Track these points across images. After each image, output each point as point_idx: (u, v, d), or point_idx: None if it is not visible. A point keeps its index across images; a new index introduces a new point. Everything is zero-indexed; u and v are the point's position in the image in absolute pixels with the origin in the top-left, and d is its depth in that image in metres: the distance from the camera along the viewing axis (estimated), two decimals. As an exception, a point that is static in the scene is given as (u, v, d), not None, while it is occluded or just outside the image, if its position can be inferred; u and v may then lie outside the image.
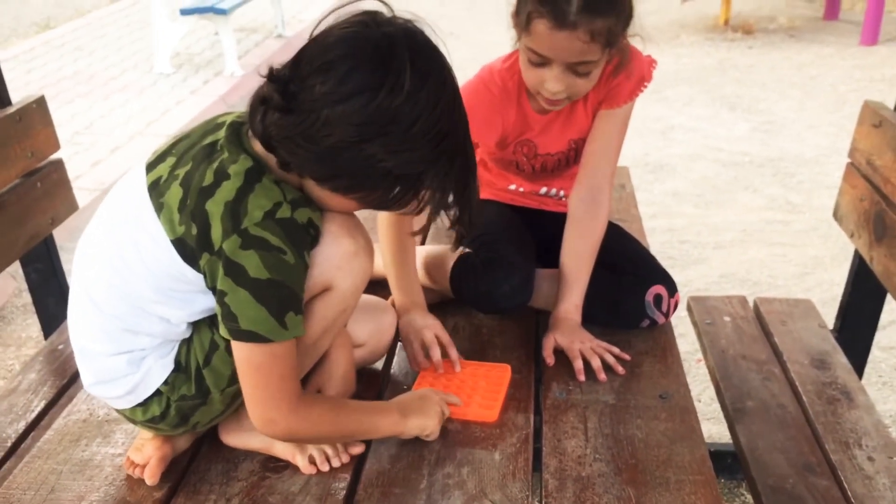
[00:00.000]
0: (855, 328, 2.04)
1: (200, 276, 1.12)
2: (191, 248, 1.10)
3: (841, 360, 1.82)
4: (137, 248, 1.14)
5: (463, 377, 1.43)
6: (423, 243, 1.90)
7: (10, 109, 1.90)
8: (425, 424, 1.26)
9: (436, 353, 1.45)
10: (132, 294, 1.15)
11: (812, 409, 1.64)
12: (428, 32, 1.12)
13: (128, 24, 7.61)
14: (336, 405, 1.26)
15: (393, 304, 1.55)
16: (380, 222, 1.55)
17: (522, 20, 1.44)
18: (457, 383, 1.42)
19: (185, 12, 5.89)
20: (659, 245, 3.41)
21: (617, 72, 1.56)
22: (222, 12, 5.77)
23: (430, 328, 1.48)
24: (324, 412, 1.21)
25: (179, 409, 1.21)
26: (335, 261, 1.17)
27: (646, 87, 1.61)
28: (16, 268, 2.52)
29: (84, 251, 1.21)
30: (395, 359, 1.52)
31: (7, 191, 1.84)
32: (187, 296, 1.15)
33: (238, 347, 1.12)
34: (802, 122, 4.96)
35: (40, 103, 1.99)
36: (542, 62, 1.46)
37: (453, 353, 1.46)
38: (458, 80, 1.16)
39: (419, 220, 1.42)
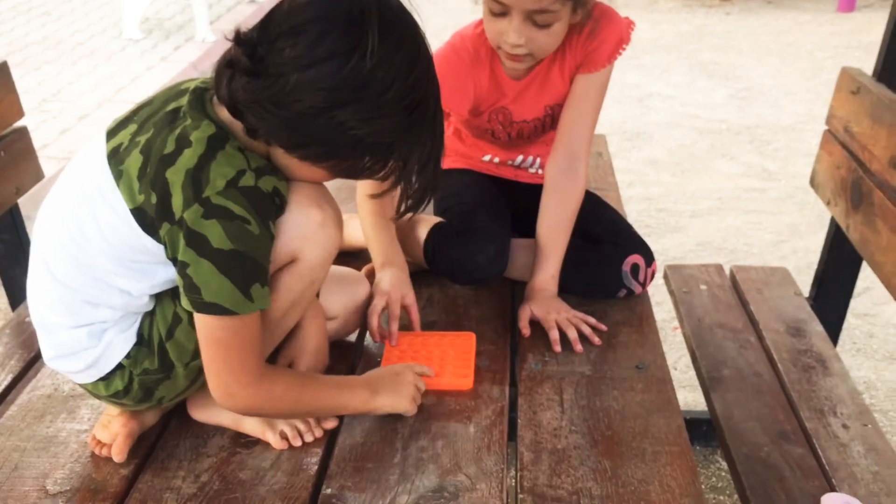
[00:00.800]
0: (830, 296, 2.05)
1: (161, 247, 1.09)
2: (150, 218, 1.07)
3: (816, 327, 1.83)
4: (96, 218, 1.10)
5: (430, 348, 1.41)
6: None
7: (-30, 76, 1.85)
8: (396, 403, 1.24)
9: (393, 326, 1.41)
10: (91, 265, 1.12)
11: (787, 377, 1.64)
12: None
13: (96, -11, 7.45)
14: (302, 381, 1.23)
15: (367, 276, 1.52)
16: (358, 193, 1.52)
17: None
18: (425, 354, 1.39)
19: (154, -24, 5.77)
20: (636, 213, 3.40)
21: (593, 34, 1.53)
22: (193, -24, 5.66)
23: (395, 292, 1.44)
24: (288, 388, 1.18)
25: (143, 384, 1.18)
26: (302, 231, 1.14)
27: (624, 49, 1.57)
28: (-19, 239, 2.47)
29: (43, 220, 1.18)
30: (368, 332, 1.49)
31: (-32, 160, 1.79)
32: (147, 267, 1.12)
33: (200, 319, 1.09)
34: (780, 88, 4.96)
35: (3, 69, 1.93)
36: (501, 11, 1.44)
37: (394, 326, 1.42)
38: (433, 47, 1.13)
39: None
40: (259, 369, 1.13)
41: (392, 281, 1.46)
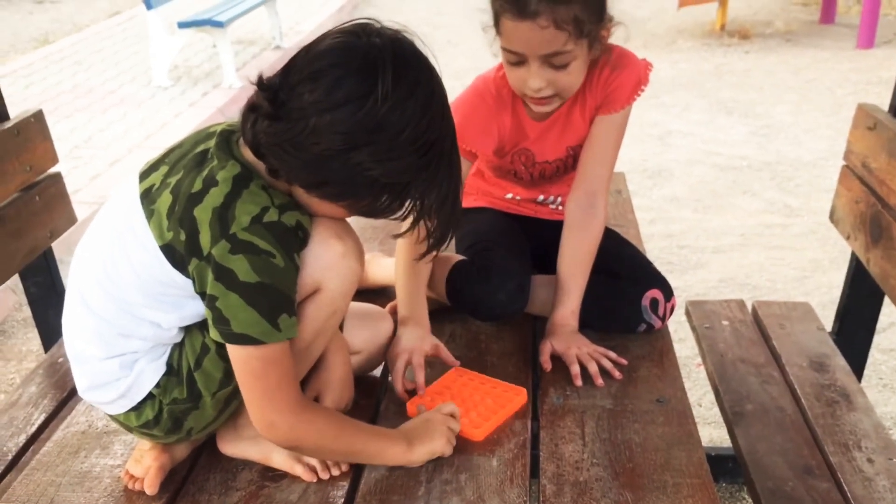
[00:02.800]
0: (853, 330, 2.04)
1: (189, 282, 1.13)
2: (179, 254, 1.12)
3: (840, 362, 1.82)
4: (127, 254, 1.15)
5: (472, 390, 1.41)
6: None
7: (9, 124, 1.91)
8: (433, 448, 1.25)
9: (419, 377, 1.41)
10: (122, 298, 1.17)
11: (811, 412, 1.64)
12: (417, 43, 1.13)
13: (125, 38, 7.64)
14: (343, 420, 1.25)
15: (390, 313, 1.55)
16: (399, 241, 1.55)
17: (494, 21, 1.47)
18: (463, 394, 1.40)
19: (182, 25, 5.91)
20: (658, 250, 3.41)
21: (612, 76, 1.57)
22: (219, 25, 5.79)
23: (418, 350, 1.44)
24: (328, 423, 1.21)
25: (172, 413, 1.22)
26: (324, 262, 1.17)
27: (643, 90, 1.61)
28: (15, 281, 2.53)
29: (80, 256, 1.23)
30: (394, 367, 1.52)
31: (6, 205, 1.85)
32: (176, 300, 1.16)
33: (233, 352, 1.13)
34: (800, 125, 4.97)
35: (38, 117, 2.00)
36: (518, 60, 1.48)
37: (447, 361, 1.43)
38: (455, 89, 1.16)
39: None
40: (298, 399, 1.17)
41: (410, 338, 1.47)
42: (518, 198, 1.83)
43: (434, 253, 1.23)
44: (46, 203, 1.99)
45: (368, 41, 1.09)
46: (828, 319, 2.08)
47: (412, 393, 1.42)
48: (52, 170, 2.04)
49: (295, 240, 1.13)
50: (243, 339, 1.10)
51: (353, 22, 1.12)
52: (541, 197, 1.82)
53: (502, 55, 1.51)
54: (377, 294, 1.71)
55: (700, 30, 7.33)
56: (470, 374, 1.46)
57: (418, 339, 1.47)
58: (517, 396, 1.39)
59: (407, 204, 1.15)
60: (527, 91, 1.51)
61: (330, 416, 1.23)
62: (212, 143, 1.16)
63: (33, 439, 1.58)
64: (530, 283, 1.62)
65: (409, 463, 1.25)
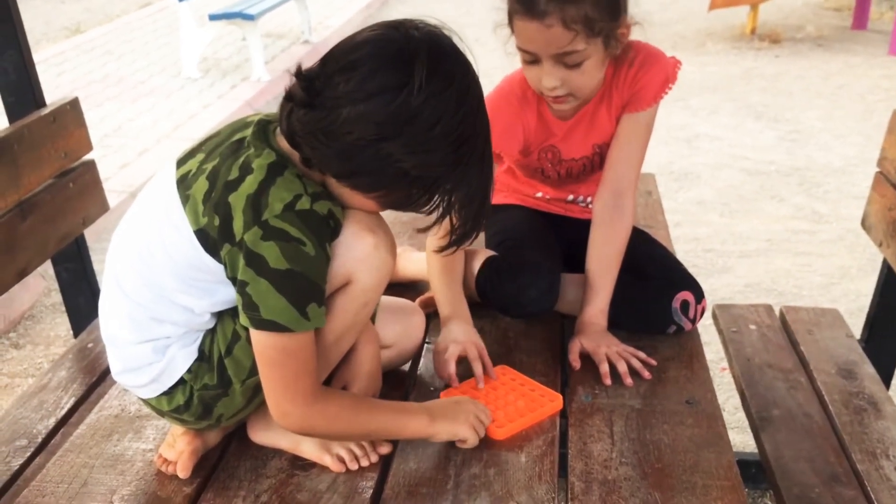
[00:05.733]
0: (883, 338, 2.03)
1: (221, 267, 1.14)
2: (213, 239, 1.13)
3: (868, 370, 1.81)
4: (162, 238, 1.17)
5: (508, 389, 1.41)
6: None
7: (45, 111, 1.94)
8: (455, 430, 1.26)
9: (478, 368, 1.42)
10: (156, 283, 1.18)
11: (839, 419, 1.63)
12: (455, 41, 1.13)
13: (156, 29, 7.70)
14: (357, 402, 1.26)
15: (421, 306, 1.56)
16: (429, 237, 1.55)
17: (508, 21, 1.47)
18: (496, 392, 1.40)
19: (213, 17, 5.96)
20: (683, 253, 3.40)
21: (639, 74, 1.56)
22: (250, 18, 5.83)
23: (460, 343, 1.45)
24: (342, 408, 1.21)
25: (202, 399, 1.23)
26: (356, 253, 1.18)
27: (671, 88, 1.59)
28: (45, 267, 2.56)
29: (116, 242, 1.25)
30: (423, 361, 1.52)
31: (41, 190, 1.87)
32: (209, 286, 1.18)
33: (257, 338, 1.14)
34: (829, 131, 4.93)
35: (74, 105, 2.02)
36: (532, 59, 1.48)
37: (478, 368, 1.42)
38: (483, 87, 1.17)
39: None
40: (313, 390, 1.17)
41: (463, 331, 1.48)
42: (548, 197, 1.83)
43: (454, 249, 1.22)
44: (80, 190, 2.01)
45: (406, 34, 1.09)
46: (856, 327, 2.06)
47: (446, 386, 1.42)
48: (87, 157, 2.06)
49: (326, 229, 1.14)
50: (271, 326, 1.11)
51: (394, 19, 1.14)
52: (570, 197, 1.82)
53: (519, 55, 1.51)
54: (407, 288, 1.72)
55: (730, 33, 7.28)
56: (512, 374, 1.46)
57: (471, 334, 1.48)
58: (551, 402, 1.37)
59: (436, 199, 1.16)
60: (543, 90, 1.51)
61: (343, 403, 1.23)
62: (248, 131, 1.17)
63: (63, 422, 1.60)
64: (560, 281, 1.62)
65: (430, 436, 1.25)
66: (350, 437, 1.25)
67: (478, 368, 1.42)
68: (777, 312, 2.06)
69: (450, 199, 1.15)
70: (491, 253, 1.65)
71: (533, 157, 1.69)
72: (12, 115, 2.00)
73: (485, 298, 1.61)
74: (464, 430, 1.26)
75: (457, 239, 1.21)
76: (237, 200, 1.11)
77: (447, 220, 1.19)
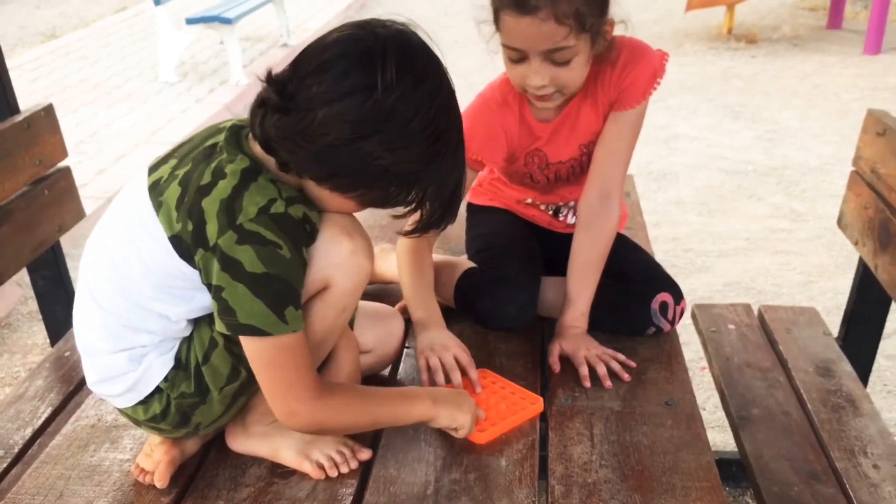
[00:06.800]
0: (860, 336, 2.04)
1: (196, 273, 1.14)
2: (187, 245, 1.12)
3: (846, 368, 1.83)
4: (136, 246, 1.16)
5: (489, 393, 1.41)
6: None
7: (19, 117, 1.92)
8: (456, 416, 1.27)
9: (456, 377, 1.42)
10: (131, 291, 1.17)
11: (817, 417, 1.64)
12: (423, 36, 1.14)
13: (132, 34, 7.65)
14: (361, 391, 1.26)
15: (401, 312, 1.55)
16: (399, 240, 1.56)
17: (494, 17, 1.45)
18: (476, 397, 1.39)
19: (190, 21, 5.92)
20: (663, 253, 3.41)
21: (626, 70, 1.54)
22: (227, 21, 5.80)
23: (450, 349, 1.45)
24: (347, 398, 1.22)
25: (179, 407, 1.22)
26: (333, 258, 1.18)
27: (659, 83, 1.56)
28: (21, 275, 2.53)
29: (89, 250, 1.24)
30: (403, 366, 1.52)
31: (15, 198, 1.85)
32: (185, 292, 1.17)
33: (247, 344, 1.14)
34: (806, 130, 4.97)
35: (48, 111, 2.00)
36: (519, 57, 1.46)
37: (473, 373, 1.43)
38: (462, 88, 1.17)
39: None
40: (317, 383, 1.17)
41: (440, 337, 1.48)
42: (537, 203, 1.81)
43: (419, 234, 1.22)
44: (55, 197, 1.99)
45: (374, 32, 1.10)
46: (833, 325, 2.08)
47: (432, 383, 1.42)
48: (62, 164, 2.04)
49: (302, 233, 1.14)
50: (249, 330, 1.11)
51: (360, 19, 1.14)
52: (560, 203, 1.80)
53: (503, 52, 1.48)
54: (386, 293, 1.72)
55: (707, 33, 7.33)
56: (493, 377, 1.46)
57: (448, 339, 1.48)
58: (532, 405, 1.38)
59: (413, 193, 1.16)
60: (528, 88, 1.49)
61: (349, 394, 1.24)
62: (221, 137, 1.17)
63: (39, 433, 1.58)
64: (539, 292, 1.62)
65: (432, 419, 1.26)
66: (357, 428, 1.25)
67: (455, 377, 1.42)
68: (756, 311, 2.07)
69: (425, 192, 1.16)
70: (470, 264, 1.65)
71: (519, 163, 1.68)
72: (-15, 123, 1.98)
73: (463, 310, 1.61)
74: (464, 417, 1.27)
75: (423, 227, 1.21)
76: (211, 205, 1.10)
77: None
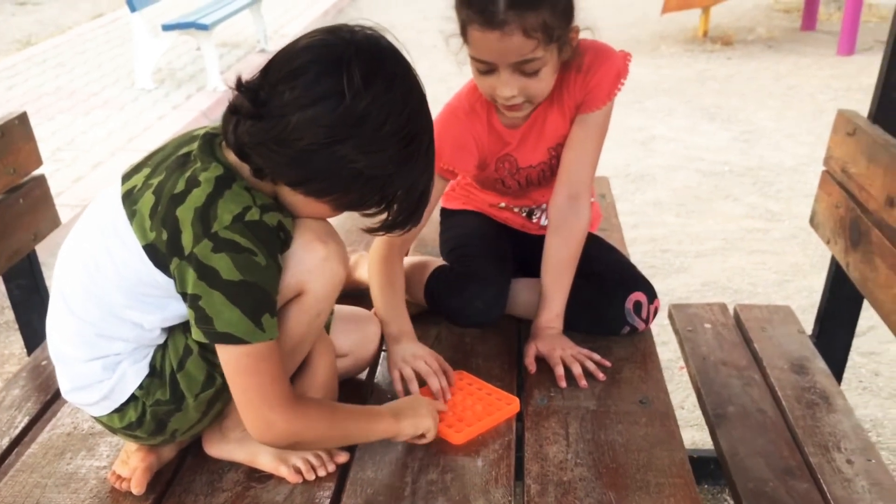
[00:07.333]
0: (833, 333, 2.07)
1: (171, 281, 1.14)
2: (162, 254, 1.12)
3: (820, 365, 1.85)
4: (110, 254, 1.16)
5: (465, 394, 1.42)
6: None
7: (-8, 126, 1.91)
8: (419, 423, 1.28)
9: (434, 383, 1.42)
10: (105, 299, 1.17)
11: (792, 414, 1.66)
12: (392, 40, 1.15)
13: (108, 41, 7.61)
14: (330, 406, 1.27)
15: (376, 314, 1.56)
16: (371, 250, 1.56)
17: (461, 31, 1.46)
18: (453, 399, 1.41)
19: (166, 28, 5.90)
20: (641, 254, 3.44)
21: (590, 73, 1.55)
22: (204, 28, 5.78)
23: (421, 358, 1.46)
24: (320, 412, 1.22)
25: (155, 415, 1.22)
26: (306, 265, 1.18)
27: (623, 83, 1.57)
28: (-2, 284, 2.52)
29: (63, 258, 1.24)
30: (380, 369, 1.53)
31: (-11, 207, 1.84)
32: (159, 301, 1.17)
33: (222, 352, 1.14)
34: (781, 131, 5.02)
35: (22, 119, 1.99)
36: (488, 69, 1.46)
37: (443, 381, 1.43)
38: (440, 93, 1.18)
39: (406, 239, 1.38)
40: (291, 394, 1.17)
41: (412, 349, 1.48)
42: (511, 206, 1.82)
43: (383, 233, 1.22)
44: (30, 205, 1.98)
45: (343, 38, 1.11)
46: (808, 323, 2.10)
47: (407, 393, 1.43)
48: (36, 172, 2.03)
49: (276, 240, 1.14)
50: (227, 339, 1.11)
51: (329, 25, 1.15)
52: (532, 206, 1.81)
53: (471, 64, 1.49)
54: (362, 297, 1.72)
55: (683, 36, 7.39)
56: (469, 379, 1.47)
57: (420, 349, 1.48)
58: (508, 406, 1.39)
59: (385, 196, 1.17)
60: (498, 99, 1.50)
61: (320, 405, 1.25)
62: (195, 145, 1.17)
63: (17, 442, 1.57)
64: (508, 289, 1.63)
65: (397, 435, 1.27)
66: (329, 441, 1.25)
67: (433, 383, 1.43)
68: (731, 311, 2.09)
69: (395, 194, 1.17)
70: (439, 262, 1.66)
71: (490, 168, 1.69)
72: (-42, 132, 1.97)
73: (433, 308, 1.62)
74: (427, 421, 1.28)
75: (388, 227, 1.22)
76: (185, 214, 1.10)
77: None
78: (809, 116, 5.25)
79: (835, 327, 2.07)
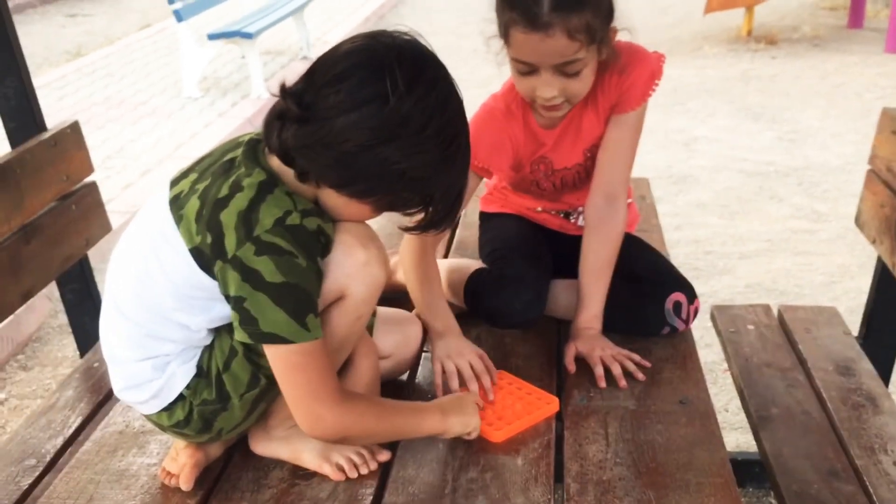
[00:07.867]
0: (880, 335, 2.04)
1: (216, 283, 1.17)
2: (207, 257, 1.16)
3: (866, 366, 1.82)
4: (159, 258, 1.19)
5: (505, 393, 1.43)
6: (445, 256, 1.93)
7: (46, 135, 1.97)
8: (467, 422, 1.30)
9: (473, 386, 1.43)
10: (154, 301, 1.21)
11: (837, 416, 1.64)
12: (428, 47, 1.18)
13: (156, 50, 7.76)
14: (378, 401, 1.31)
15: (418, 316, 1.58)
16: (402, 250, 1.58)
17: (502, 32, 1.46)
18: (493, 397, 1.42)
19: (212, 37, 6.00)
20: (684, 256, 3.41)
21: (624, 74, 1.55)
22: (248, 36, 5.87)
23: (465, 356, 1.47)
24: (368, 406, 1.25)
25: (202, 414, 1.25)
26: (347, 269, 1.21)
27: (657, 84, 1.57)
28: (51, 289, 2.59)
29: (114, 262, 1.28)
30: (421, 370, 1.54)
31: (43, 213, 1.90)
32: (205, 303, 1.20)
33: (270, 351, 1.17)
34: (827, 130, 4.95)
35: (74, 128, 2.05)
36: (529, 70, 1.47)
37: (486, 381, 1.44)
38: (481, 97, 1.20)
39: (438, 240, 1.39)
40: (339, 388, 1.21)
41: (459, 346, 1.49)
42: (550, 210, 1.82)
43: (419, 232, 1.24)
44: (82, 212, 2.04)
45: (384, 43, 1.14)
46: (858, 325, 2.07)
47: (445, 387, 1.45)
48: (88, 179, 2.09)
49: (317, 244, 1.17)
50: (272, 339, 1.14)
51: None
52: (568, 210, 1.81)
53: (511, 65, 1.50)
54: (404, 299, 1.74)
55: (726, 35, 7.31)
56: (509, 378, 1.48)
57: (465, 346, 1.50)
58: (548, 405, 1.40)
59: (424, 197, 1.20)
60: (538, 100, 1.50)
61: (369, 400, 1.28)
62: (239, 151, 1.21)
63: (70, 441, 1.61)
64: (547, 290, 1.64)
65: (445, 432, 1.29)
66: (378, 436, 1.28)
67: (473, 386, 1.43)
68: (775, 312, 2.07)
69: (434, 194, 1.20)
70: (478, 264, 1.67)
71: (525, 170, 1.69)
72: (14, 141, 2.03)
73: (473, 310, 1.64)
74: (476, 420, 1.31)
75: (425, 227, 1.24)
76: (228, 218, 1.14)
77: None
78: (856, 115, 5.16)
79: (882, 328, 2.04)
